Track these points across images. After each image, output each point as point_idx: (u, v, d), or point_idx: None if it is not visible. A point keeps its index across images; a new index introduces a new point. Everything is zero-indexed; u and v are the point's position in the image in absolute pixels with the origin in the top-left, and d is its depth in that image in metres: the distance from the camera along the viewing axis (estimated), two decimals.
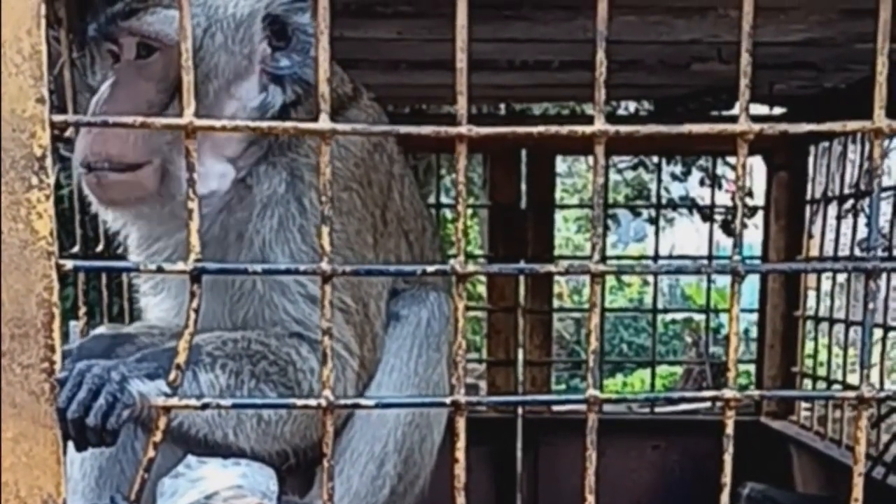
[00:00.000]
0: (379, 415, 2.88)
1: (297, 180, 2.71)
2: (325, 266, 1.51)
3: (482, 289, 6.93)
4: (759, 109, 5.03)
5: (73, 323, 3.36)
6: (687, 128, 1.54)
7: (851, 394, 1.60)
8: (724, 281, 9.73)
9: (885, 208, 4.71)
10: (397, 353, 2.92)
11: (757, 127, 1.50)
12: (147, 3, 2.58)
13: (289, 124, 1.58)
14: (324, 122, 1.48)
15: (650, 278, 11.65)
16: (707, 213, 6.81)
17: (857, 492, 1.59)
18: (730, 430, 1.56)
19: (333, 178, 2.66)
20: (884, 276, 3.95)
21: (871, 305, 1.60)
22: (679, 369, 10.45)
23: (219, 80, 2.59)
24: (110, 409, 2.27)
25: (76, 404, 2.24)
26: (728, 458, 1.57)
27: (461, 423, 1.56)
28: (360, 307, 2.81)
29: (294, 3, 2.64)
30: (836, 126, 1.56)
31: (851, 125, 1.55)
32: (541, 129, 1.51)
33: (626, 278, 12.82)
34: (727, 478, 1.58)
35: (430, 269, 1.62)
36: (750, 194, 5.74)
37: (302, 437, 2.75)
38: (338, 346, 2.71)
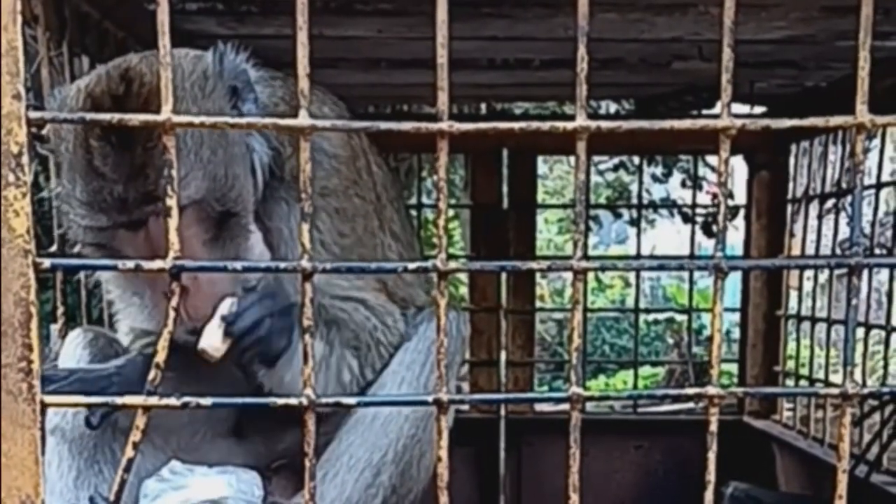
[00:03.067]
0: (382, 424, 2.90)
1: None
2: (304, 263, 1.49)
3: (464, 290, 6.93)
4: (740, 109, 5.04)
5: (52, 326, 3.35)
6: (669, 123, 1.53)
7: (835, 390, 1.59)
8: (705, 282, 9.75)
9: (865, 209, 4.72)
10: (410, 367, 2.96)
11: (739, 122, 1.49)
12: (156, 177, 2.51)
13: (268, 121, 1.57)
14: (303, 119, 1.47)
15: (632, 279, 11.67)
16: (688, 215, 6.82)
17: (842, 489, 1.59)
18: (713, 427, 1.55)
19: (333, 193, 2.84)
20: (865, 274, 3.96)
21: (853, 302, 1.60)
22: (661, 370, 10.46)
23: (229, 180, 2.61)
24: (279, 332, 2.52)
25: (257, 311, 2.50)
26: (712, 456, 1.56)
27: (444, 422, 1.55)
28: (381, 285, 3.00)
29: (229, 57, 2.68)
30: (818, 121, 1.55)
31: (834, 120, 1.54)
32: (522, 125, 1.50)
33: (607, 279, 12.83)
34: (711, 475, 1.57)
35: (411, 266, 1.61)
36: (731, 195, 5.75)
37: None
38: (386, 304, 2.96)
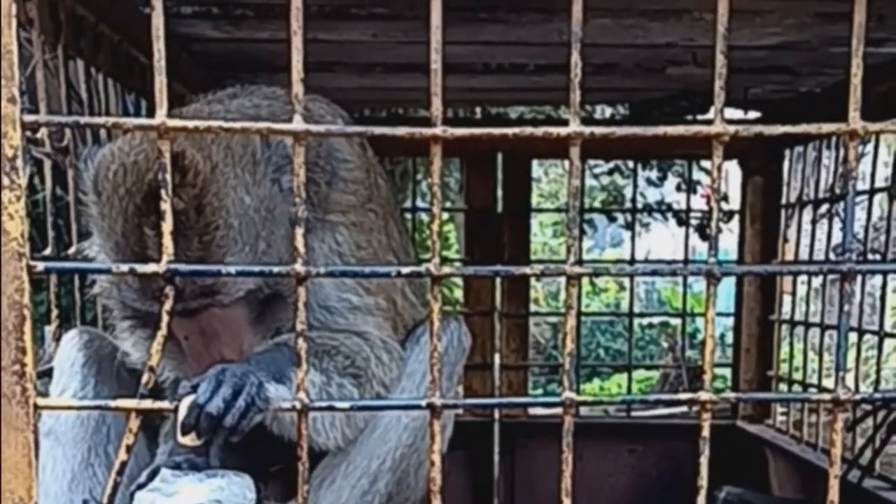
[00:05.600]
0: (381, 433, 2.89)
1: (327, 224, 2.81)
2: (298, 268, 1.50)
3: (459, 293, 6.92)
4: (734, 114, 5.05)
5: (46, 328, 3.34)
6: (662, 129, 1.54)
7: (827, 396, 1.60)
8: (700, 286, 9.74)
9: (859, 213, 4.73)
10: (411, 377, 2.95)
11: (732, 128, 1.50)
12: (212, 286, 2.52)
13: (263, 125, 1.57)
14: (297, 124, 1.47)
15: (626, 283, 11.65)
16: (682, 218, 6.83)
17: (833, 494, 1.59)
18: (706, 432, 1.56)
19: (352, 209, 2.85)
20: (858, 279, 3.96)
21: (846, 308, 1.60)
22: (656, 374, 10.46)
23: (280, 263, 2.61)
24: (247, 410, 2.32)
25: (221, 400, 2.27)
26: (704, 461, 1.57)
27: (436, 426, 1.56)
28: (390, 305, 2.94)
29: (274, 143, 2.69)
30: (811, 128, 1.55)
31: (826, 127, 1.55)
32: (516, 130, 1.51)
33: (601, 283, 12.82)
34: (704, 480, 1.58)
35: (405, 270, 1.62)
36: (725, 199, 5.76)
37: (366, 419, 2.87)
38: (387, 338, 2.88)
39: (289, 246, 2.61)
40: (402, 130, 1.51)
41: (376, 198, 3.00)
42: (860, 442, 4.22)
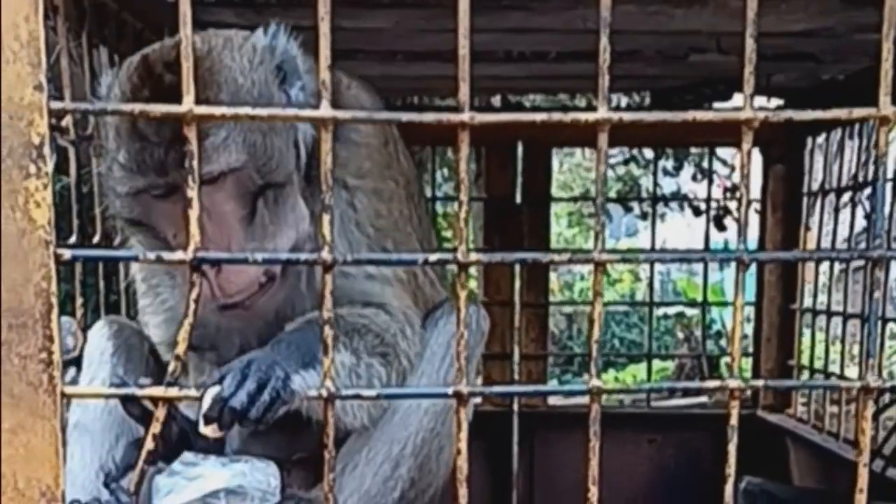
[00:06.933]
0: (402, 417, 2.89)
1: (344, 190, 2.79)
2: (325, 255, 1.49)
3: (473, 283, 6.91)
4: (756, 101, 5.01)
5: (64, 318, 3.33)
6: (691, 115, 1.53)
7: (857, 383, 1.59)
8: (716, 276, 9.73)
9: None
10: (430, 360, 2.94)
11: (762, 114, 1.49)
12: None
13: (290, 111, 1.57)
14: (325, 110, 1.46)
15: (641, 274, 11.66)
16: (699, 209, 6.80)
17: (863, 482, 1.58)
18: (734, 420, 1.55)
19: (369, 174, 2.84)
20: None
21: (876, 295, 1.59)
22: (671, 364, 10.44)
23: (269, 149, 2.59)
24: (272, 403, 2.31)
25: (245, 395, 2.26)
26: (733, 449, 1.56)
27: (463, 414, 1.55)
28: (410, 277, 2.94)
29: (280, 38, 2.68)
30: (841, 113, 1.54)
31: (857, 112, 1.54)
32: (544, 116, 1.50)
33: (616, 273, 12.78)
34: (732, 468, 1.57)
35: (432, 257, 1.61)
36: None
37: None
38: (407, 310, 2.87)
39: (285, 138, 2.62)
40: (429, 116, 1.50)
41: (396, 168, 2.98)
42: (882, 432, 4.20)
